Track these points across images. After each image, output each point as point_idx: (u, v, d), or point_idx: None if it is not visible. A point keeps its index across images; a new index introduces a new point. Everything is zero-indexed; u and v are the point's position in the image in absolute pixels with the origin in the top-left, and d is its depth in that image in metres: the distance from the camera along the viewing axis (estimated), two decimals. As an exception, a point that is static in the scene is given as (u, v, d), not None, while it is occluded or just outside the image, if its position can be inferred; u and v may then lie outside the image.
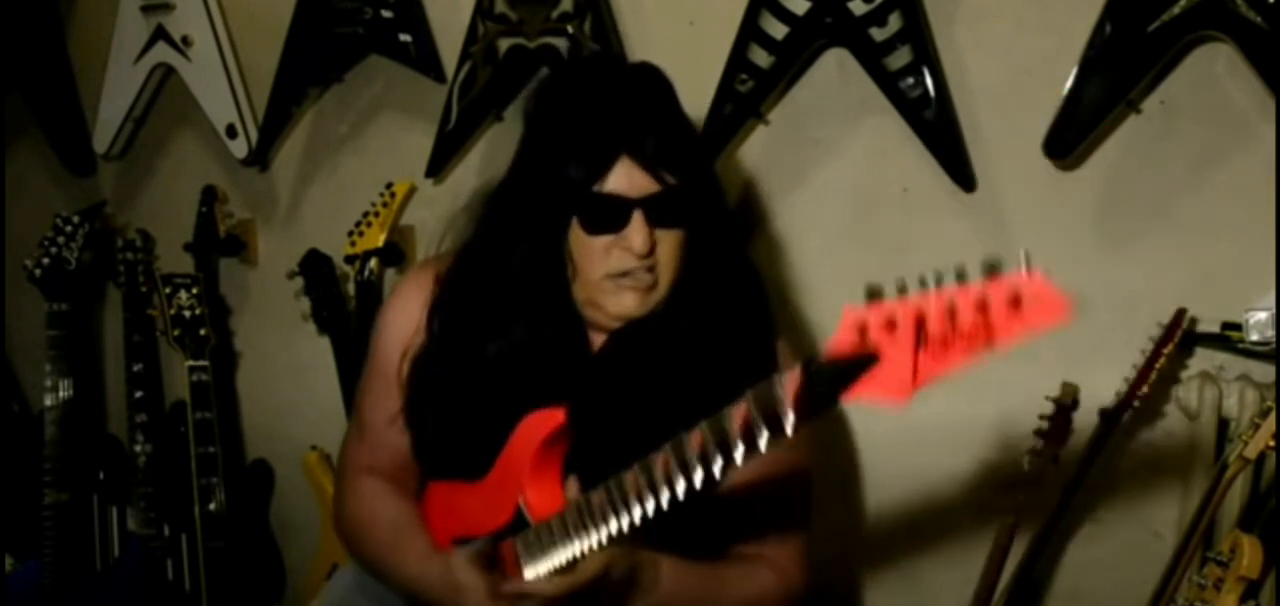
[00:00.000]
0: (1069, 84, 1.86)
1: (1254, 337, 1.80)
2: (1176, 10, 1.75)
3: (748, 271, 1.55)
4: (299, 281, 2.55)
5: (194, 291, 2.55)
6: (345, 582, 1.74)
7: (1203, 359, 1.95)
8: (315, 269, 2.55)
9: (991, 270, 0.91)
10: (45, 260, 2.56)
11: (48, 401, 2.55)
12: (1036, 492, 1.85)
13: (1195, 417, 1.89)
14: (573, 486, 1.38)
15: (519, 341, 1.46)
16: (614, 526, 1.25)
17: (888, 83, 1.99)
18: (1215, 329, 1.89)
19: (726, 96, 2.10)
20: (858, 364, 0.97)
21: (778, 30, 2.04)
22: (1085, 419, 1.83)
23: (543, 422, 1.40)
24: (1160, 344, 1.83)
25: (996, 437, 2.02)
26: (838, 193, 2.19)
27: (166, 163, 2.94)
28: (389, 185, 2.49)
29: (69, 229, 2.59)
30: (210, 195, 2.77)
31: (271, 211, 2.81)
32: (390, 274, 2.57)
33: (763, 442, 1.07)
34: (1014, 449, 1.82)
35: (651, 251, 1.39)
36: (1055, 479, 1.86)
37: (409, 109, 2.55)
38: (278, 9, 2.54)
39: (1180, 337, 1.83)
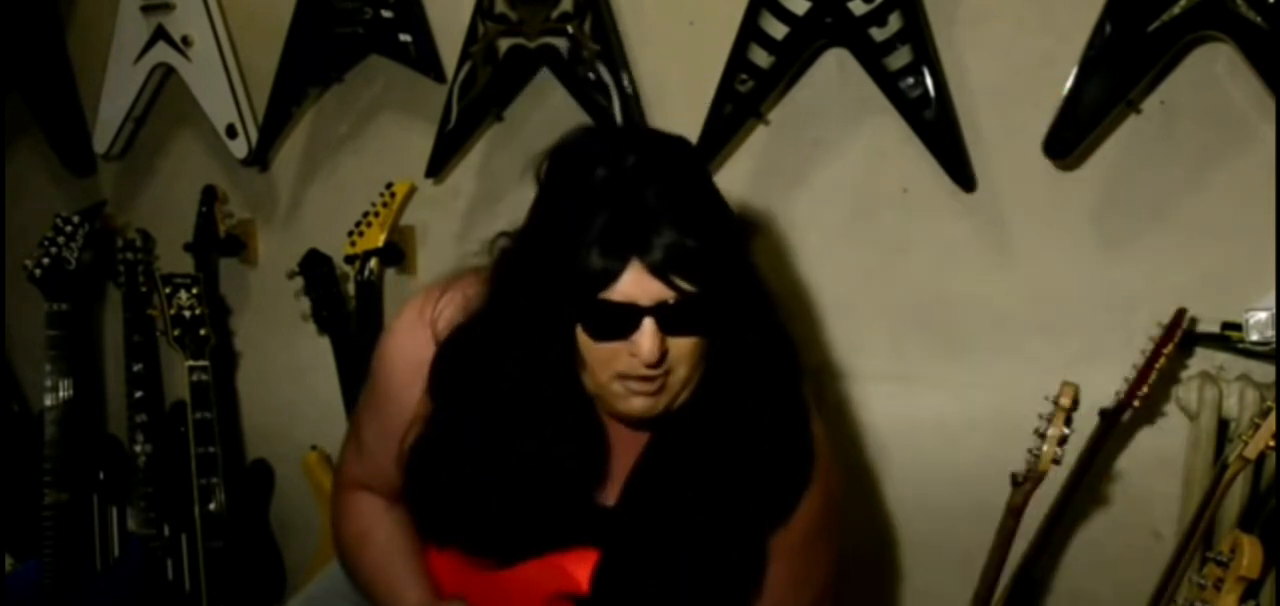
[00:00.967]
0: (1069, 84, 1.86)
1: (1254, 337, 1.80)
2: (1176, 10, 1.75)
3: (781, 354, 1.40)
4: (299, 281, 2.55)
5: (194, 291, 2.55)
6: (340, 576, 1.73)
7: (1203, 359, 1.95)
8: (315, 269, 2.55)
9: None
10: (45, 260, 2.56)
11: (48, 401, 2.55)
12: (1036, 492, 1.84)
13: (1195, 417, 1.89)
14: None
15: (534, 428, 1.35)
16: None
17: (888, 83, 1.99)
18: (1215, 329, 1.89)
19: (726, 96, 2.10)
20: None
21: (778, 30, 2.04)
22: (1085, 419, 1.82)
23: (564, 577, 1.36)
24: (1160, 344, 1.82)
25: (996, 437, 2.02)
26: (838, 193, 2.19)
27: (166, 163, 2.94)
28: (389, 185, 2.49)
29: (69, 229, 2.59)
30: (210, 195, 2.77)
31: (271, 211, 2.81)
32: (390, 274, 2.57)
33: None
34: (1014, 449, 1.82)
35: (662, 360, 1.26)
36: (1055, 479, 1.86)
37: (409, 109, 2.55)
38: (278, 9, 2.54)
39: (1180, 337, 1.82)
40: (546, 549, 1.41)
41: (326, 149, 2.70)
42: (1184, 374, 1.95)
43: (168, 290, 2.53)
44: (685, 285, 1.22)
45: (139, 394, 2.69)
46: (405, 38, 2.42)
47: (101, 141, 2.87)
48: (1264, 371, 1.87)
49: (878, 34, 1.97)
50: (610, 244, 1.22)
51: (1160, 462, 1.98)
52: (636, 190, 1.23)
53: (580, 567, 1.37)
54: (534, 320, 1.31)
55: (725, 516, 1.37)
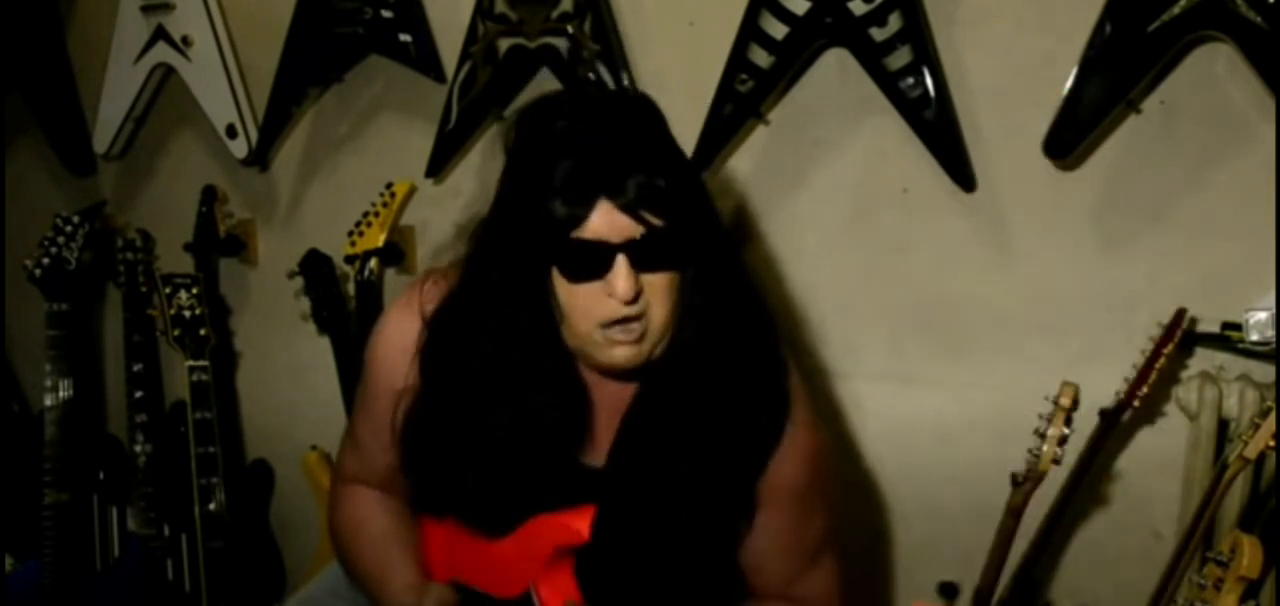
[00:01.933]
0: (1069, 84, 1.86)
1: (1254, 337, 1.80)
2: (1176, 10, 1.75)
3: (753, 307, 1.46)
4: (299, 281, 2.55)
5: (194, 291, 2.55)
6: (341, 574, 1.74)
7: (1203, 359, 1.95)
8: (315, 269, 2.55)
9: None
10: (45, 260, 2.56)
11: (48, 401, 2.55)
12: (1036, 492, 1.84)
13: (1195, 418, 1.89)
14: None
15: (517, 395, 1.39)
16: None
17: (888, 83, 1.99)
18: (1215, 329, 1.89)
19: (726, 96, 2.10)
20: None
21: (778, 30, 2.04)
22: (1085, 419, 1.82)
23: (565, 530, 1.38)
24: (1160, 344, 1.82)
25: (996, 437, 2.02)
26: (838, 193, 2.19)
27: (166, 163, 2.94)
28: (389, 185, 2.49)
29: (69, 229, 2.59)
30: (210, 195, 2.77)
31: (271, 211, 2.81)
32: (390, 274, 2.57)
33: None
34: (1014, 449, 1.82)
35: (638, 297, 1.30)
36: (1055, 479, 1.86)
37: (409, 109, 2.55)
38: (278, 9, 2.54)
39: (1180, 337, 1.82)
40: (539, 512, 1.43)
41: (326, 149, 2.70)
42: (1184, 374, 1.95)
43: (168, 290, 2.53)
44: (654, 219, 1.27)
45: (139, 394, 2.69)
46: (405, 38, 2.42)
47: (101, 141, 2.87)
48: (1264, 371, 1.87)
49: (878, 34, 1.97)
50: (578, 184, 1.27)
51: (1160, 462, 1.98)
52: (600, 133, 1.29)
53: (580, 519, 1.38)
54: (511, 280, 1.35)
55: (709, 465, 1.41)
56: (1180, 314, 1.84)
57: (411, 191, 2.50)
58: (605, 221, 1.27)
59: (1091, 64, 1.84)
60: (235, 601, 2.53)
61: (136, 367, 2.69)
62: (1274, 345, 1.78)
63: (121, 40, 2.73)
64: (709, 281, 1.37)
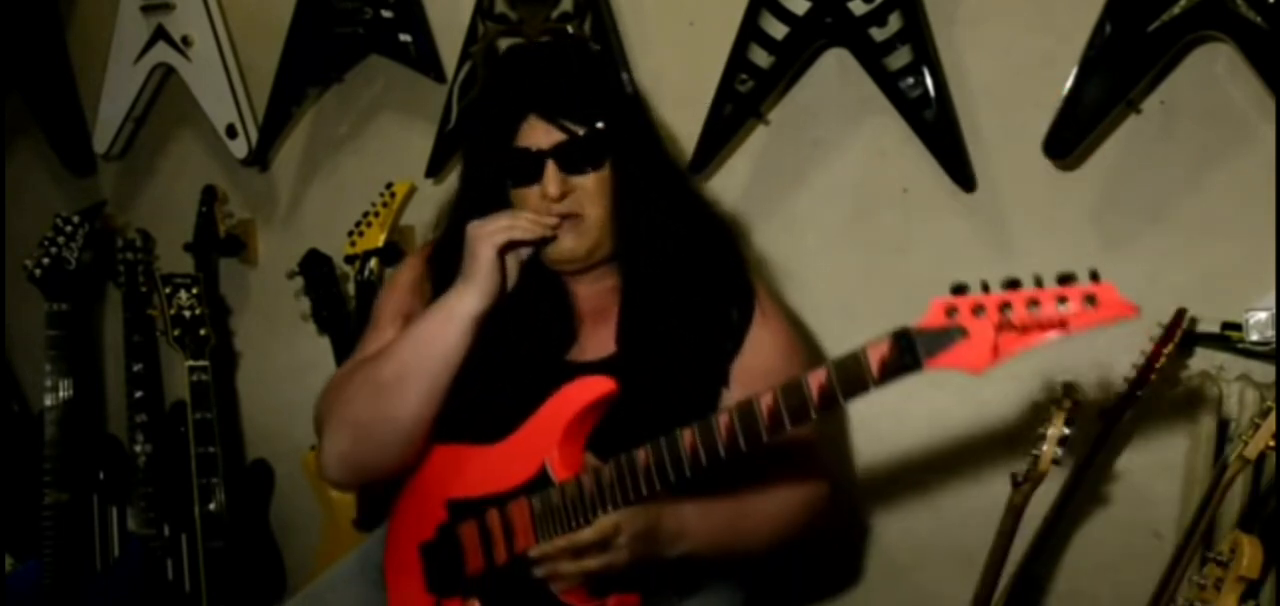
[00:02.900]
0: (1069, 84, 1.86)
1: (1254, 337, 1.80)
2: (1176, 10, 1.75)
3: (697, 202, 1.68)
4: (299, 281, 2.55)
5: (194, 291, 2.55)
6: (348, 568, 1.77)
7: (1203, 359, 1.94)
8: (315, 269, 2.55)
9: (1066, 280, 1.16)
10: (45, 260, 2.56)
11: (48, 401, 2.55)
12: (1036, 492, 1.84)
13: (1195, 418, 1.89)
14: (591, 457, 1.47)
15: (507, 301, 1.55)
16: (626, 494, 1.37)
17: (888, 83, 1.99)
18: (1215, 329, 1.88)
19: (726, 96, 2.10)
20: (947, 335, 1.16)
21: (778, 30, 2.04)
22: (1085, 419, 1.82)
23: (588, 389, 1.47)
24: (1160, 344, 1.82)
25: (996, 437, 2.02)
26: (838, 193, 2.19)
27: (166, 163, 2.94)
28: (389, 185, 2.49)
29: (69, 229, 2.59)
30: (210, 195, 2.77)
31: (271, 211, 2.81)
32: (390, 274, 2.57)
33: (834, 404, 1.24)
34: (1014, 448, 1.82)
35: (566, 196, 1.52)
36: (1055, 479, 1.86)
37: (409, 109, 2.55)
38: (278, 9, 2.54)
39: (1180, 337, 1.82)
40: (534, 410, 1.52)
41: (326, 149, 2.70)
42: (1184, 374, 1.95)
43: (168, 290, 2.53)
44: (574, 127, 1.51)
45: (139, 394, 2.69)
46: (405, 38, 2.42)
47: (101, 141, 2.87)
48: (1264, 371, 1.87)
49: (878, 34, 1.97)
50: (512, 103, 1.54)
51: (1160, 462, 1.98)
52: (530, 65, 1.61)
53: (601, 380, 1.48)
54: (484, 198, 1.57)
55: (688, 345, 1.58)
56: (1180, 314, 1.84)
57: (411, 191, 2.50)
58: (533, 132, 1.52)
59: (1091, 64, 1.84)
60: (235, 601, 2.53)
61: (136, 367, 2.69)
62: (1274, 345, 1.78)
63: (121, 40, 2.73)
64: (640, 180, 1.57)
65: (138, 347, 2.70)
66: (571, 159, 1.52)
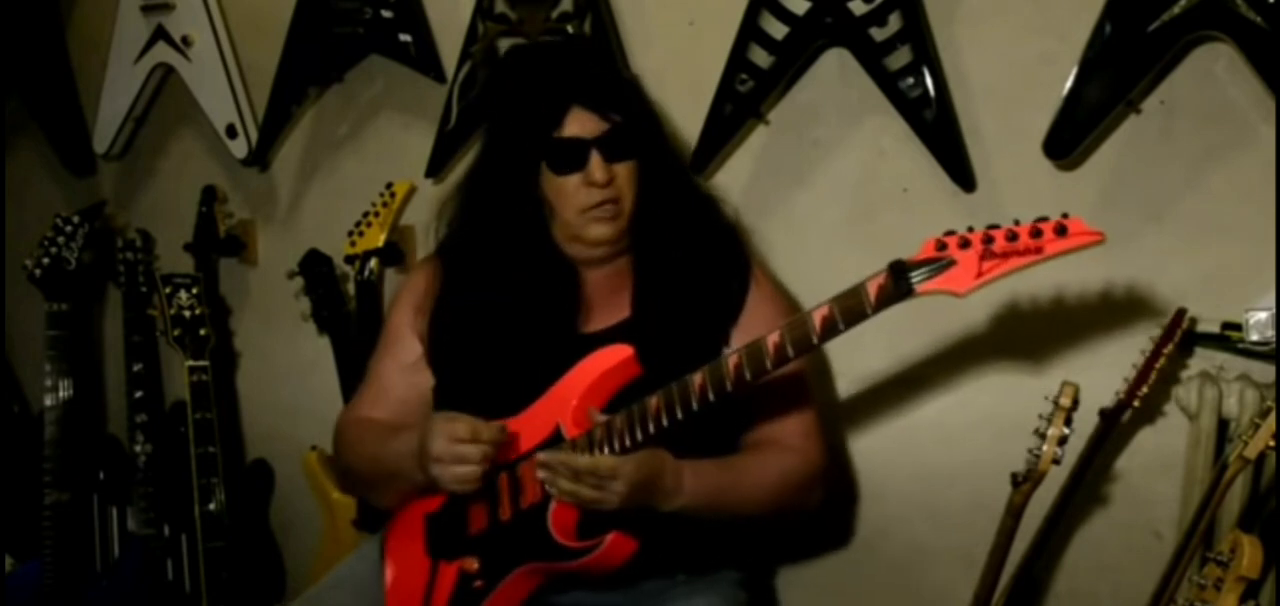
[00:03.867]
0: (1069, 84, 1.86)
1: (1254, 337, 1.80)
2: (1176, 10, 1.75)
3: (699, 191, 1.83)
4: (299, 281, 2.55)
5: (194, 291, 2.55)
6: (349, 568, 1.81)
7: (1203, 359, 1.94)
8: (315, 269, 2.55)
9: (1040, 219, 1.34)
10: (45, 260, 2.56)
11: (48, 401, 2.55)
12: (1036, 492, 1.84)
13: (1195, 418, 1.89)
14: (600, 413, 1.56)
15: (518, 275, 1.68)
16: (632, 438, 1.48)
17: (888, 83, 1.99)
18: (1215, 329, 1.88)
19: (726, 96, 2.10)
20: (937, 264, 1.32)
21: (778, 30, 2.04)
22: (1085, 419, 1.82)
23: (607, 356, 1.57)
24: (1160, 344, 1.82)
25: (996, 437, 2.02)
26: (838, 193, 2.19)
27: (166, 163, 2.94)
28: (389, 185, 2.49)
29: (69, 229, 2.59)
30: (210, 195, 2.77)
31: (271, 211, 2.81)
32: (390, 274, 2.57)
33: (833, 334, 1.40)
34: (1014, 448, 1.82)
35: (610, 182, 1.62)
36: (1055, 479, 1.86)
37: (409, 109, 2.55)
38: (278, 9, 2.54)
39: (1180, 337, 1.82)
40: (549, 383, 1.62)
41: (326, 149, 2.70)
42: (1184, 374, 1.95)
43: (168, 290, 2.54)
44: (617, 116, 1.62)
45: (139, 394, 2.69)
46: (405, 38, 2.42)
47: (101, 141, 2.87)
48: (1264, 371, 1.87)
49: (878, 34, 1.97)
50: (556, 94, 1.62)
51: (1160, 462, 1.98)
52: (564, 55, 1.76)
53: (620, 349, 1.59)
54: (506, 189, 1.66)
55: (693, 313, 1.70)
56: (1180, 314, 1.84)
57: (411, 191, 2.50)
58: (579, 123, 1.61)
59: (1091, 64, 1.84)
60: (235, 601, 2.53)
61: (136, 367, 2.69)
62: (1274, 345, 1.78)
63: (121, 40, 2.74)
64: (660, 169, 1.70)
65: (138, 347, 2.70)
66: (614, 148, 1.63)
